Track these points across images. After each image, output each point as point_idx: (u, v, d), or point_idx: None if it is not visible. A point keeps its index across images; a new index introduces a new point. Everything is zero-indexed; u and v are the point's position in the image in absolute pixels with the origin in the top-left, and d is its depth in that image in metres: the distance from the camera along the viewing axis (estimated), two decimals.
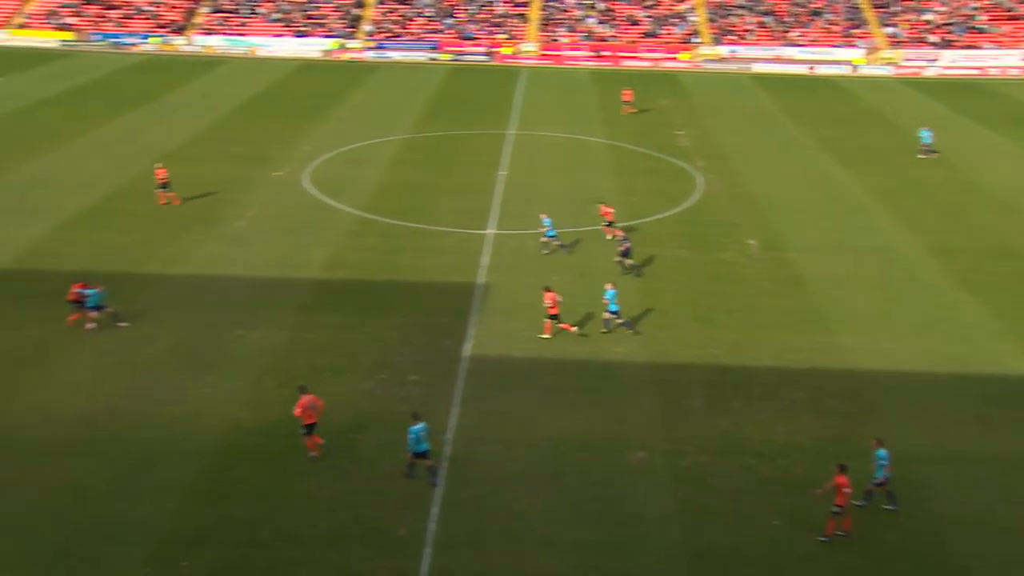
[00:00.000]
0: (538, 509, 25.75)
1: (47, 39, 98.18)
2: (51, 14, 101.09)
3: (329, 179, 53.60)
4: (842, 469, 24.55)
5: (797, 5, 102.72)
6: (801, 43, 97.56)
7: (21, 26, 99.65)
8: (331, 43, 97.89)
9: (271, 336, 34.17)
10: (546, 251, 43.30)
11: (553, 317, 34.87)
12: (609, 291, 35.42)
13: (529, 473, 27.21)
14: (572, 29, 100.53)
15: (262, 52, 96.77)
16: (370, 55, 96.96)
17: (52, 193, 49.34)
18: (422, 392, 31.12)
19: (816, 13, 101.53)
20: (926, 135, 62.44)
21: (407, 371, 32.46)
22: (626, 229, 44.76)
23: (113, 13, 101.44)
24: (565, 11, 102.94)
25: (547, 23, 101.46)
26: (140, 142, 60.63)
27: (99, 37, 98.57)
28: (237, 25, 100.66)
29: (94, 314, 34.44)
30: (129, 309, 35.60)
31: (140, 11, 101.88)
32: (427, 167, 57.12)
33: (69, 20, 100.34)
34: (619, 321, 35.43)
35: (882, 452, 25.70)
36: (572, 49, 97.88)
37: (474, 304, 37.69)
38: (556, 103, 77.33)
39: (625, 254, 41.02)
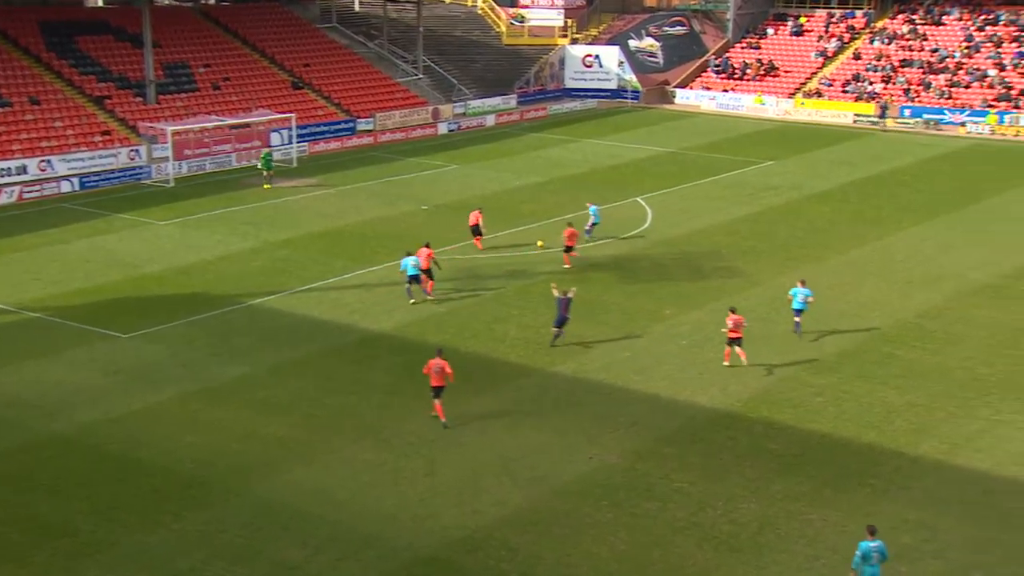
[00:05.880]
0: None
1: (839, 112, 71.97)
2: (853, 80, 74.53)
3: None
4: None
5: None
6: None
7: (812, 94, 74.65)
8: None
9: None
10: None
11: None
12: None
13: None
14: None
15: None
16: None
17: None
18: None
19: None
20: None
21: None
22: None
23: (940, 79, 71.78)
24: None
25: None
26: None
27: (911, 112, 69.84)
28: None
29: None
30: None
31: (982, 76, 70.62)
32: None
33: (875, 88, 72.98)
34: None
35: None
36: None
37: None
38: None
39: None
